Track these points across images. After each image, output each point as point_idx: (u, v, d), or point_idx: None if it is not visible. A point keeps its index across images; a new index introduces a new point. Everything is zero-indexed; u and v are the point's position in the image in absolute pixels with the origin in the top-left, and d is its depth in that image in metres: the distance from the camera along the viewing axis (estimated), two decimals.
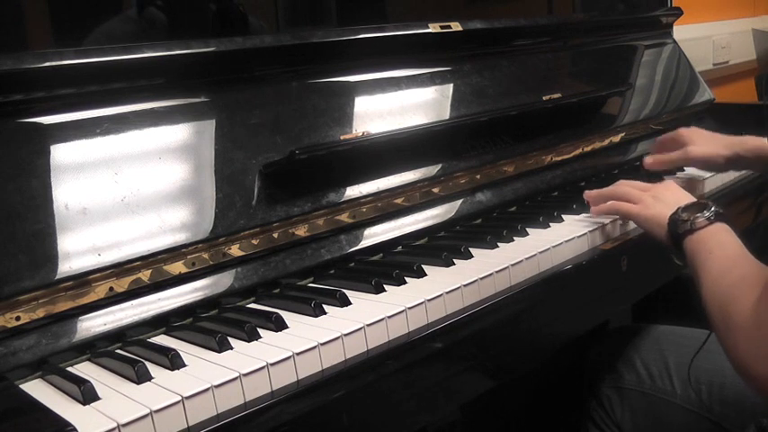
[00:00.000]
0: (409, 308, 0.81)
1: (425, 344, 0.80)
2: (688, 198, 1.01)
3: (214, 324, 0.82)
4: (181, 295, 0.86)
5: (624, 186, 1.10)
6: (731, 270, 0.85)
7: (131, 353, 0.78)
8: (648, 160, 1.32)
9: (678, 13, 1.77)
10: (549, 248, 0.98)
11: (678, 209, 0.96)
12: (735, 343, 0.79)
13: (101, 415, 0.63)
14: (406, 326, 0.81)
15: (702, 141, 1.27)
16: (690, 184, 1.31)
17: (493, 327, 0.87)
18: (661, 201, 1.02)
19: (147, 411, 0.63)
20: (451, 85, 1.23)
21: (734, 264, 0.86)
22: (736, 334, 0.78)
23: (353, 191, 1.03)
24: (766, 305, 0.76)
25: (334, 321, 0.79)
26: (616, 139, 1.48)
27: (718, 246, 0.90)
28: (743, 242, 0.90)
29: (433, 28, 1.21)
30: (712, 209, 0.94)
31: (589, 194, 1.14)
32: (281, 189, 0.97)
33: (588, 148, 1.41)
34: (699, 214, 0.93)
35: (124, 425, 0.61)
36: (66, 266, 0.78)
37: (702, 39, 2.33)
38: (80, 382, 0.68)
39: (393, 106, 1.14)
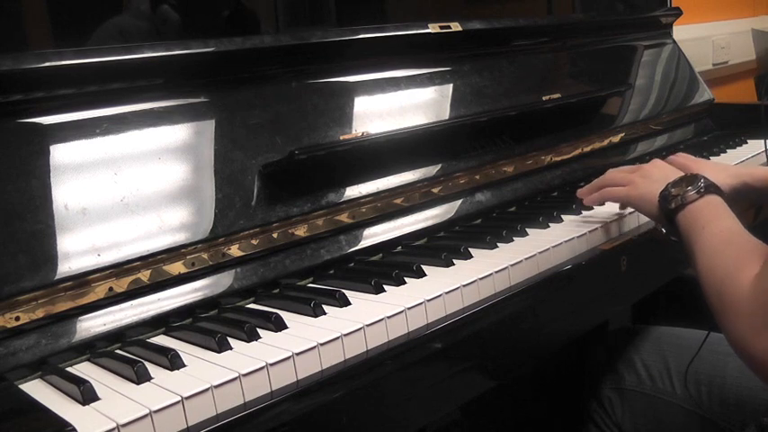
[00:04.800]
0: (409, 308, 0.81)
1: (425, 344, 0.80)
2: (676, 173, 0.98)
3: (214, 324, 0.82)
4: (180, 295, 0.86)
5: (612, 173, 1.10)
6: (726, 245, 0.83)
7: (131, 353, 0.78)
8: None
9: (678, 13, 1.78)
10: (548, 249, 0.98)
11: (667, 184, 0.94)
12: (732, 319, 0.76)
13: (100, 415, 0.63)
14: (406, 326, 0.81)
15: (709, 170, 1.24)
16: None
17: (492, 327, 0.87)
18: (649, 178, 1.00)
19: (147, 412, 0.63)
20: (451, 85, 1.23)
21: (728, 239, 0.84)
22: (733, 310, 0.76)
23: (353, 191, 1.03)
24: (767, 279, 0.73)
25: (334, 321, 0.79)
26: (616, 139, 1.48)
27: (710, 219, 0.87)
28: None
29: (433, 28, 1.21)
30: (702, 181, 0.91)
31: (580, 192, 1.13)
32: (281, 189, 0.96)
33: (588, 149, 1.41)
34: (689, 188, 0.91)
35: (124, 425, 0.61)
36: (66, 266, 0.78)
37: (702, 39, 2.33)
38: (80, 382, 0.67)
39: (393, 106, 1.14)
